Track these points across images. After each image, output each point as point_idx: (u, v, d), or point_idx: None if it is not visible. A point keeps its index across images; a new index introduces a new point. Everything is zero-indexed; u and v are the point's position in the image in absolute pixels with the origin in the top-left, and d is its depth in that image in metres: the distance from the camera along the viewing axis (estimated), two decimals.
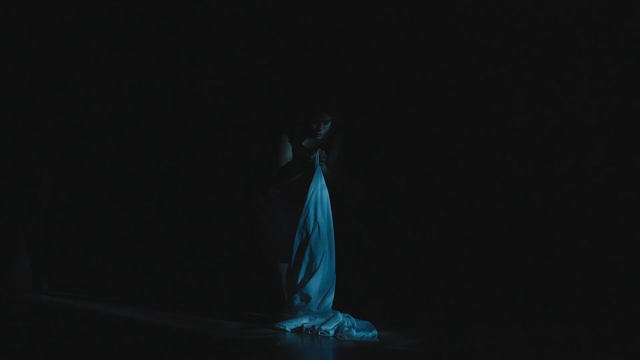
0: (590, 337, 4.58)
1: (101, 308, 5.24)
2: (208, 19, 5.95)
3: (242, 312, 5.17)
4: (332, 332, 4.59)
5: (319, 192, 4.82)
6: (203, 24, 5.96)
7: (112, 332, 4.66)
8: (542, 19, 5.14)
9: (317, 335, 4.59)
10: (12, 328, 4.87)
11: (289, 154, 4.98)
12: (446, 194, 5.39)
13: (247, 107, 5.88)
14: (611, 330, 4.70)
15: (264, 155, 5.12)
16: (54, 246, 6.04)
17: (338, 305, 4.80)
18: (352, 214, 5.47)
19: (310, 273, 4.74)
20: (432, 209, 5.42)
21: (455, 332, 4.72)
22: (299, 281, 4.75)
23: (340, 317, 4.68)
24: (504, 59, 5.23)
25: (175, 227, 6.04)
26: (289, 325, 4.67)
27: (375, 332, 4.54)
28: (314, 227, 4.78)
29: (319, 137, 4.96)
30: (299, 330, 4.66)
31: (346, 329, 4.58)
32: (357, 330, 4.56)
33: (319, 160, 4.86)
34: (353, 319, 4.69)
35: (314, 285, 4.74)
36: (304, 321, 4.68)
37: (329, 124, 4.92)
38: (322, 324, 4.64)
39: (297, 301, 4.74)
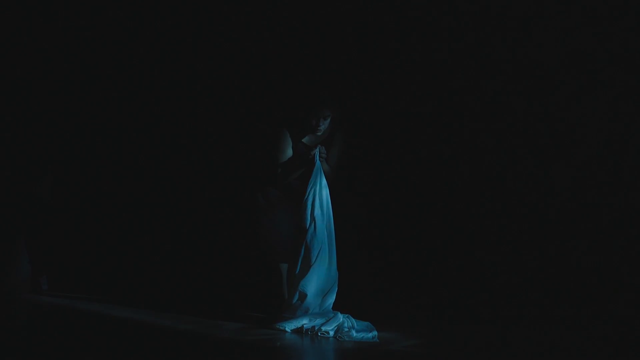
0: (590, 337, 4.58)
1: (101, 309, 5.24)
2: (206, 16, 5.94)
3: (242, 312, 5.16)
4: (332, 333, 4.59)
5: (319, 190, 4.82)
6: (201, 21, 5.95)
7: (112, 332, 4.66)
8: (542, 19, 5.14)
9: (317, 336, 4.59)
10: (12, 329, 4.87)
11: (289, 150, 4.98)
12: (447, 194, 5.39)
13: (246, 106, 5.87)
14: (611, 330, 4.70)
15: (264, 153, 5.12)
16: (54, 246, 6.04)
17: (338, 306, 4.80)
18: (352, 215, 5.46)
19: (305, 269, 4.74)
20: (433, 209, 5.42)
21: (455, 333, 4.72)
22: (296, 278, 4.75)
23: (341, 317, 4.69)
24: (504, 59, 5.23)
25: (175, 228, 6.04)
26: (289, 326, 4.67)
27: (375, 332, 4.54)
28: (310, 223, 4.78)
29: (319, 133, 4.96)
30: (299, 330, 4.66)
31: (346, 329, 4.58)
32: (357, 331, 4.56)
33: (319, 157, 4.86)
34: (353, 320, 4.69)
35: (311, 283, 4.73)
36: (304, 322, 4.69)
37: (329, 119, 4.92)
38: (322, 324, 4.64)
39: (295, 299, 4.74)
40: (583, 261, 5.03)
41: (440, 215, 5.39)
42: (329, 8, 5.64)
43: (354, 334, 4.54)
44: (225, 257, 5.87)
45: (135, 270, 6.06)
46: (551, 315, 4.97)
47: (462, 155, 5.34)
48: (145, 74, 6.08)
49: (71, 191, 6.14)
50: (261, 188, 5.03)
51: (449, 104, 5.38)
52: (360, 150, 5.47)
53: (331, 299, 4.80)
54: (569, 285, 5.03)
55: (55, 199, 6.06)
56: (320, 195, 4.82)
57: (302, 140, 5.00)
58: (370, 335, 4.52)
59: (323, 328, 4.61)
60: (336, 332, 4.58)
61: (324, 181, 4.86)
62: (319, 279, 4.75)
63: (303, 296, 4.73)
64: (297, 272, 4.75)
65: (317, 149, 4.87)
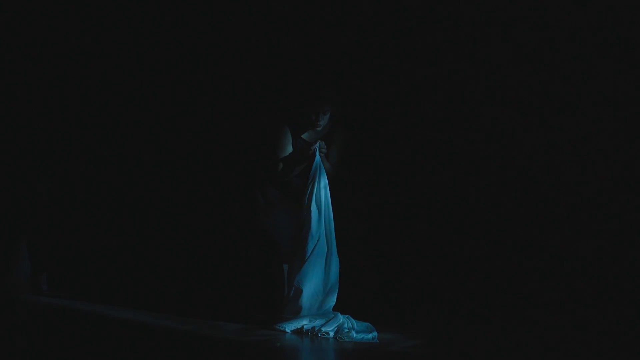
0: (590, 338, 4.59)
1: (101, 309, 5.23)
2: (205, 13, 5.94)
3: (243, 313, 5.17)
4: (332, 334, 4.59)
5: (317, 191, 4.81)
6: (199, 18, 5.95)
7: (112, 333, 4.66)
8: (542, 19, 5.15)
9: (317, 337, 4.59)
10: (12, 329, 4.87)
11: (289, 147, 4.97)
12: (447, 194, 5.39)
13: (245, 105, 5.87)
14: (610, 330, 4.71)
15: (264, 149, 5.11)
16: (54, 246, 6.04)
17: (338, 307, 4.81)
18: (352, 215, 5.47)
19: (300, 265, 4.75)
20: (433, 209, 5.42)
21: (455, 334, 4.73)
22: (292, 275, 4.76)
23: (341, 318, 4.69)
24: (504, 57, 5.23)
25: (176, 229, 6.04)
26: (289, 327, 4.68)
27: (375, 333, 4.55)
28: (306, 221, 4.79)
29: (319, 129, 4.95)
30: (299, 331, 4.67)
31: (346, 330, 4.59)
32: (357, 332, 4.57)
33: (319, 151, 4.86)
34: (353, 321, 4.70)
35: (306, 279, 4.72)
36: (304, 322, 4.69)
37: (328, 114, 4.91)
38: (322, 325, 4.65)
39: (291, 295, 4.74)
40: (583, 261, 5.03)
41: (441, 215, 5.39)
42: (328, 3, 5.64)
43: (354, 334, 4.55)
44: (226, 258, 5.87)
45: (136, 270, 6.05)
46: (551, 315, 4.97)
47: (464, 154, 5.33)
48: (143, 73, 6.08)
49: (71, 191, 6.14)
50: (261, 188, 5.03)
51: (452, 101, 5.37)
52: (360, 149, 5.46)
53: (332, 300, 4.80)
54: (569, 286, 5.03)
55: (55, 199, 6.06)
56: (319, 195, 4.82)
57: (302, 136, 5.00)
58: (370, 336, 4.53)
59: (323, 329, 4.62)
60: (336, 332, 4.59)
61: (325, 182, 4.86)
62: (315, 277, 4.75)
63: (298, 292, 4.73)
64: (294, 268, 4.76)
65: (317, 144, 4.87)
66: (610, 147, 4.99)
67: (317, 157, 4.85)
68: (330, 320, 4.67)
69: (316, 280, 4.76)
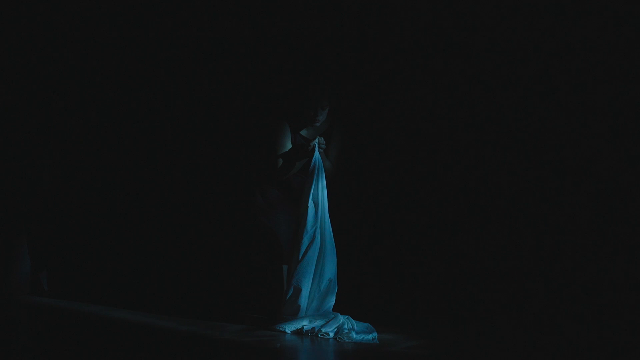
0: (590, 338, 4.59)
1: (101, 310, 5.24)
2: (202, 11, 5.93)
3: (243, 314, 5.17)
4: (332, 334, 4.60)
5: (314, 191, 4.81)
6: (197, 17, 5.94)
7: (112, 334, 4.66)
8: (543, 19, 5.15)
9: (317, 337, 4.59)
10: (12, 329, 4.87)
11: (288, 143, 4.96)
12: (446, 195, 5.38)
13: (245, 104, 5.86)
14: (610, 331, 4.71)
15: (263, 147, 5.10)
16: (55, 245, 6.04)
17: (338, 308, 4.81)
18: (352, 216, 5.47)
19: (296, 264, 4.75)
20: (433, 210, 5.42)
21: (455, 334, 4.73)
22: (290, 274, 4.77)
23: (341, 319, 4.70)
24: (504, 57, 5.22)
25: (176, 229, 6.04)
26: (289, 327, 4.68)
27: (375, 334, 4.55)
28: (303, 213, 4.79)
29: (317, 124, 4.94)
30: (299, 332, 4.67)
31: (346, 331, 4.59)
32: (357, 333, 4.57)
33: (318, 147, 4.85)
34: (353, 321, 4.70)
35: (304, 278, 4.73)
36: (304, 323, 4.69)
37: (327, 110, 4.91)
38: (322, 326, 4.65)
39: (289, 294, 4.74)
40: (582, 262, 5.03)
41: (441, 215, 5.39)
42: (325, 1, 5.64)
43: (354, 335, 4.55)
44: (225, 258, 5.87)
45: (136, 271, 6.05)
46: (551, 315, 4.97)
47: (463, 154, 5.33)
48: (141, 72, 6.07)
49: (71, 192, 6.14)
50: (261, 188, 5.03)
51: (452, 100, 5.37)
52: (360, 147, 5.46)
53: (331, 301, 4.80)
54: (569, 286, 5.03)
55: (56, 200, 6.06)
56: (316, 193, 4.82)
57: (300, 132, 4.99)
58: (370, 336, 4.53)
59: (323, 329, 4.62)
60: (336, 333, 4.59)
61: (323, 183, 4.86)
62: (311, 276, 4.74)
63: (297, 291, 4.73)
64: (292, 267, 4.77)
65: (316, 140, 4.86)
66: (610, 147, 4.99)
67: (317, 153, 4.85)
68: (330, 320, 4.68)
69: (312, 279, 4.76)
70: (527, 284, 5.13)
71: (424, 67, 5.42)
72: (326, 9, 5.63)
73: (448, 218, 5.37)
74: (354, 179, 5.49)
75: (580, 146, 5.05)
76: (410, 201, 5.47)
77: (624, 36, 4.92)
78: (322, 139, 4.89)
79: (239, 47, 5.86)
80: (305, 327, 4.68)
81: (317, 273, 4.78)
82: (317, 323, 4.68)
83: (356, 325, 4.67)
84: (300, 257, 4.76)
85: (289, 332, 4.67)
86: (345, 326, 4.64)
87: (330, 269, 4.80)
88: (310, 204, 4.80)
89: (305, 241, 4.77)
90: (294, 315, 4.73)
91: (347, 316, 4.73)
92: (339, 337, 4.55)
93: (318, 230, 4.80)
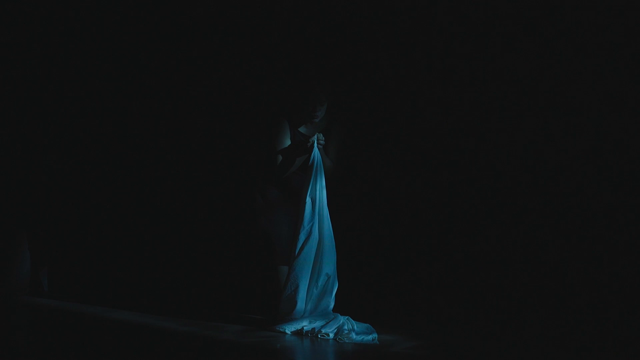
0: (590, 338, 4.59)
1: (101, 310, 5.24)
2: (200, 10, 5.93)
3: (243, 314, 5.17)
4: (332, 335, 4.60)
5: (311, 191, 4.81)
6: (195, 15, 5.94)
7: (112, 334, 4.67)
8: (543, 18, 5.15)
9: (317, 338, 4.59)
10: (12, 330, 4.87)
11: (287, 140, 4.96)
12: (446, 195, 5.38)
13: (243, 103, 5.87)
14: (609, 331, 4.71)
15: (263, 144, 5.10)
16: (55, 247, 6.04)
17: (338, 308, 4.81)
18: (352, 216, 5.47)
19: (294, 260, 4.75)
20: (433, 210, 5.42)
21: (455, 335, 4.73)
22: (289, 271, 4.77)
23: (341, 319, 4.70)
24: (503, 56, 5.22)
25: (176, 230, 6.04)
26: (289, 328, 4.68)
27: (375, 335, 4.55)
28: (301, 209, 4.78)
29: (316, 120, 4.93)
30: (299, 332, 4.67)
31: (346, 331, 4.59)
32: (357, 333, 4.57)
33: (317, 143, 4.85)
34: (353, 322, 4.70)
35: (302, 274, 4.73)
36: (304, 324, 4.70)
37: (325, 106, 4.90)
38: (322, 326, 4.65)
39: (288, 291, 4.74)
40: (582, 262, 5.03)
41: (442, 215, 5.39)
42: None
43: (354, 336, 4.55)
44: (225, 259, 5.87)
45: (136, 272, 6.06)
46: (551, 315, 4.97)
47: (462, 153, 5.32)
48: (140, 72, 6.08)
49: (71, 192, 6.15)
50: (260, 188, 5.02)
51: (451, 100, 5.37)
52: (359, 145, 5.46)
53: (330, 300, 4.80)
54: (569, 286, 5.03)
55: (55, 200, 6.06)
56: (313, 192, 4.81)
57: (299, 129, 4.98)
58: (370, 337, 4.53)
59: (323, 330, 4.62)
60: (336, 334, 4.59)
61: (322, 178, 4.85)
62: (309, 273, 4.74)
63: (295, 287, 4.73)
64: (291, 265, 4.77)
65: (315, 136, 4.86)
66: (611, 148, 4.99)
67: (316, 150, 4.85)
68: (330, 321, 4.68)
69: (309, 276, 4.76)
70: (527, 284, 5.13)
71: (424, 64, 5.41)
72: (324, 4, 5.63)
73: (449, 218, 5.37)
74: (353, 177, 5.48)
75: (578, 146, 5.06)
76: (410, 201, 5.47)
77: None
78: (321, 135, 4.88)
79: (237, 45, 5.86)
80: (305, 327, 4.68)
81: (315, 270, 4.77)
82: (317, 324, 4.68)
83: (356, 326, 4.67)
84: (296, 253, 4.76)
85: (289, 332, 4.67)
86: (345, 327, 4.64)
87: (329, 265, 4.79)
88: (308, 200, 4.80)
89: (302, 237, 4.77)
90: (291, 311, 4.73)
91: (347, 317, 4.73)
92: (339, 338, 4.55)
93: (315, 227, 4.79)
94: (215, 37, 5.92)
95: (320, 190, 4.83)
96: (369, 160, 5.54)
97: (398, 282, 5.43)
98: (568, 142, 5.08)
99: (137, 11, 6.05)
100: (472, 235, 5.29)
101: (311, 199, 4.81)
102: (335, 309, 4.81)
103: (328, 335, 4.60)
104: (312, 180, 4.82)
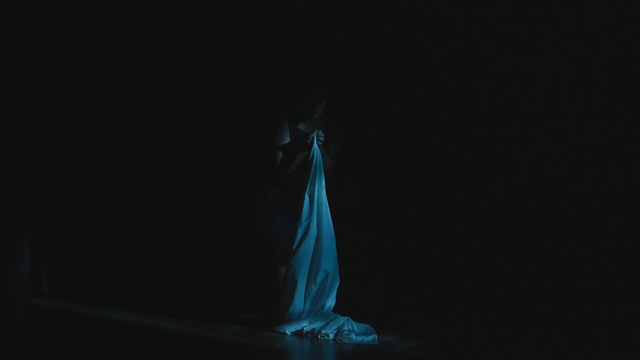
0: (590, 338, 4.59)
1: (100, 311, 5.24)
2: (198, 6, 5.93)
3: (243, 315, 5.17)
4: (331, 336, 4.59)
5: (313, 183, 4.80)
6: (193, 12, 5.94)
7: (112, 335, 4.66)
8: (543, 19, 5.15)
9: (317, 339, 4.59)
10: (12, 330, 4.87)
11: (286, 138, 4.95)
12: (446, 195, 5.38)
13: (242, 99, 5.86)
14: (609, 332, 4.71)
15: (263, 143, 5.09)
16: (55, 247, 6.04)
17: (338, 309, 4.81)
18: (351, 216, 5.47)
19: (292, 253, 4.74)
20: (433, 211, 5.42)
21: (455, 335, 4.73)
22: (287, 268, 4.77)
23: (341, 320, 4.69)
24: (503, 55, 5.22)
25: (176, 230, 6.04)
26: (289, 329, 4.68)
27: (375, 335, 4.55)
28: (300, 205, 4.78)
29: (316, 116, 4.91)
30: (299, 333, 4.67)
31: (346, 332, 4.59)
32: (356, 334, 4.57)
33: (317, 140, 4.84)
34: (353, 323, 4.70)
35: (300, 271, 4.72)
36: (304, 324, 4.69)
37: (324, 102, 4.88)
38: (322, 327, 4.65)
39: (287, 288, 4.74)
40: (582, 262, 5.03)
41: (442, 215, 5.39)
42: None
43: (354, 336, 4.55)
44: (225, 259, 5.87)
45: (136, 272, 6.05)
46: (551, 316, 4.97)
47: (461, 152, 5.32)
48: (139, 71, 6.07)
49: (71, 192, 6.14)
50: (260, 188, 5.02)
51: (451, 99, 5.36)
52: (359, 144, 5.46)
53: (330, 301, 4.80)
54: (568, 286, 5.03)
55: (55, 201, 6.06)
56: (312, 188, 4.80)
57: (298, 126, 4.97)
58: (370, 338, 4.53)
59: (323, 331, 4.62)
60: (336, 334, 4.59)
61: (322, 175, 4.84)
62: (307, 269, 4.73)
63: (293, 284, 4.72)
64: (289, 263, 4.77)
65: (315, 133, 4.85)
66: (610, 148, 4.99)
67: (315, 146, 4.83)
68: (330, 322, 4.68)
69: (307, 273, 4.76)
70: (527, 284, 5.14)
71: (423, 62, 5.41)
72: (323, 1, 5.63)
73: (449, 218, 5.37)
74: (353, 176, 5.48)
75: (579, 146, 5.06)
76: (411, 201, 5.47)
77: None
78: (321, 131, 4.86)
79: (236, 42, 5.86)
80: (305, 328, 4.67)
81: (313, 266, 4.77)
82: (317, 324, 4.68)
83: (356, 326, 4.67)
84: (294, 249, 4.75)
85: (288, 333, 4.67)
86: (345, 327, 4.64)
87: (327, 262, 4.78)
88: (306, 197, 4.79)
89: (299, 233, 4.76)
90: (290, 308, 4.72)
91: (347, 317, 4.73)
92: (339, 339, 4.55)
93: (313, 223, 4.78)
94: (213, 35, 5.91)
95: (319, 186, 4.82)
96: (369, 158, 5.54)
97: (398, 282, 5.43)
98: (567, 143, 5.08)
99: (135, 8, 6.05)
100: (473, 235, 5.29)
101: (309, 195, 4.80)
102: (335, 310, 4.81)
103: (328, 335, 4.59)
104: (310, 177, 4.81)
